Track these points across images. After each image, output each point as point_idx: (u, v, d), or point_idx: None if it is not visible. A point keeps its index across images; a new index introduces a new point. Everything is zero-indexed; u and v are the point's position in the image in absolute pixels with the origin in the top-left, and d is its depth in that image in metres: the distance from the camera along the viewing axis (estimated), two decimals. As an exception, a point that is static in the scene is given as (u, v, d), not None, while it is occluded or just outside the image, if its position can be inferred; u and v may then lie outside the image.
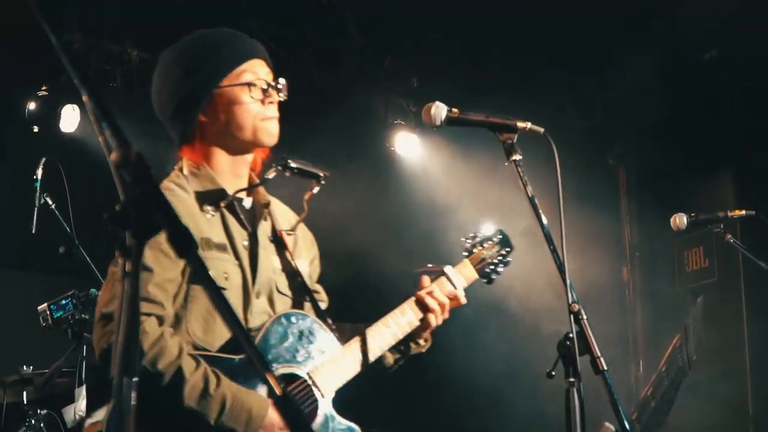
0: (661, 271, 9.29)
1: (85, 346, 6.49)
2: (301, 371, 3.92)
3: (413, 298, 4.22)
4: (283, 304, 4.02)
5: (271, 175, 4.05)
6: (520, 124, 3.92)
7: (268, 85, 3.95)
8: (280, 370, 3.87)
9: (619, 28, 8.49)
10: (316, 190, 4.14)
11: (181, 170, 3.96)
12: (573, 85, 9.13)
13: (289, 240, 4.14)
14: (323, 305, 4.19)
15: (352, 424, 4.05)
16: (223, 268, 3.84)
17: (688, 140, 8.88)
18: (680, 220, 6.24)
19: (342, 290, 4.42)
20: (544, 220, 3.80)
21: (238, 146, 3.97)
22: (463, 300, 4.32)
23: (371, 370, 4.18)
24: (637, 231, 9.61)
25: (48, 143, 8.12)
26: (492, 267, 4.52)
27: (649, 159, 9.50)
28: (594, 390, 3.61)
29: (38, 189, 6.83)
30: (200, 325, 3.77)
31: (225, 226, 3.92)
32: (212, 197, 3.92)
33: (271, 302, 3.98)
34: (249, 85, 3.91)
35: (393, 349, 4.23)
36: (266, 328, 3.87)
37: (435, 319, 4.22)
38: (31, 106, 8.42)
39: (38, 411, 6.75)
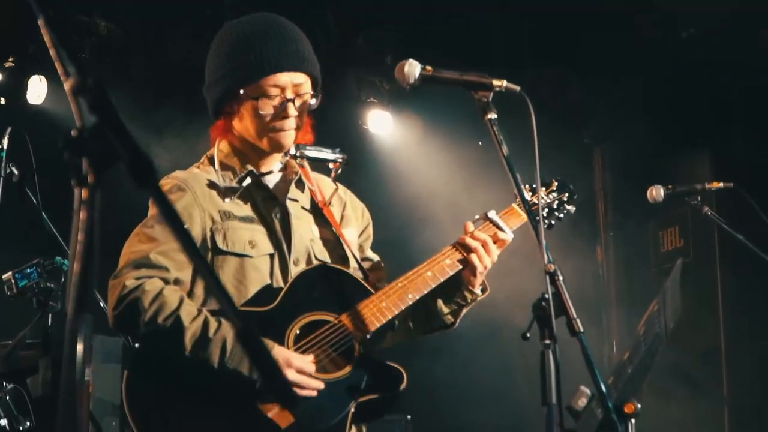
0: (636, 250, 9.26)
1: (50, 315, 6.43)
2: (329, 317, 3.96)
3: (451, 245, 4.17)
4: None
5: (284, 162, 4.24)
6: (496, 82, 3.87)
7: (287, 99, 4.01)
8: (309, 317, 3.94)
9: (595, 5, 8.43)
10: (339, 171, 4.41)
11: (209, 158, 4.17)
12: (548, 64, 9.07)
13: (333, 210, 4.27)
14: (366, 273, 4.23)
15: (394, 365, 4.03)
16: (249, 237, 3.98)
17: (664, 119, 8.84)
18: (657, 192, 6.17)
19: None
20: (519, 182, 3.72)
21: (253, 143, 4.10)
22: (510, 237, 4.21)
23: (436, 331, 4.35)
24: (612, 211, 9.57)
25: (14, 115, 8.06)
26: (549, 210, 4.56)
27: (625, 139, 9.45)
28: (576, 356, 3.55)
29: (3, 159, 6.76)
30: (232, 289, 3.89)
31: (252, 201, 4.07)
32: (239, 176, 4.09)
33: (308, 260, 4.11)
34: (271, 95, 4.00)
35: (448, 300, 4.23)
36: (291, 282, 3.97)
37: (479, 260, 4.11)
38: (-1, 77, 8.36)
39: (3, 384, 6.66)
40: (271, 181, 4.16)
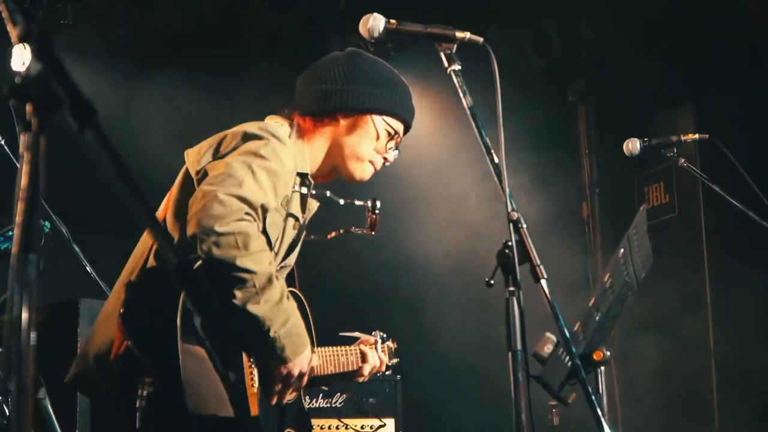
0: (621, 206, 9.31)
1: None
2: None
3: (358, 348, 4.81)
4: None
5: (362, 204, 4.69)
6: (459, 34, 3.92)
7: (395, 147, 4.38)
8: None
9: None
10: (356, 232, 4.71)
11: (289, 134, 4.23)
12: (531, 22, 9.10)
13: None
14: None
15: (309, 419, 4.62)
16: (279, 233, 4.10)
17: (648, 76, 8.88)
18: (633, 145, 6.21)
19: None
20: (483, 131, 3.77)
21: (335, 161, 4.33)
22: (384, 368, 4.98)
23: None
24: (596, 167, 9.62)
25: (-1, 83, 8.07)
26: (391, 363, 5.14)
27: (609, 96, 9.51)
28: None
29: (-14, 126, 6.79)
30: None
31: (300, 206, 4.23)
32: (303, 177, 4.20)
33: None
34: (393, 135, 4.34)
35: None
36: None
37: (367, 372, 4.82)
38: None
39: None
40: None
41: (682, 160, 6.27)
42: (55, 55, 2.01)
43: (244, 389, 3.93)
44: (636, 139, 6.19)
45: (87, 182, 6.07)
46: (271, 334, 3.79)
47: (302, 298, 4.37)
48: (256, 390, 3.97)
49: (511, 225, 3.60)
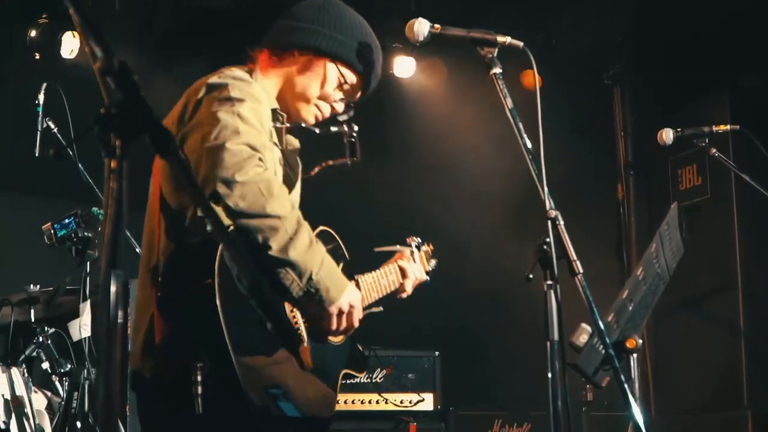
0: (655, 188, 9.42)
1: (88, 263, 6.66)
2: None
3: (396, 264, 4.74)
4: None
5: (336, 130, 4.29)
6: (500, 39, 4.02)
7: (347, 100, 4.27)
8: None
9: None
10: (337, 163, 4.34)
11: (249, 74, 4.11)
12: (567, 6, 9.19)
13: None
14: None
15: (364, 351, 4.50)
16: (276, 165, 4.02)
17: (684, 59, 8.98)
18: (666, 135, 6.37)
19: (338, 214, 4.65)
20: (523, 132, 3.92)
21: (285, 98, 4.21)
22: (425, 278, 4.89)
23: None
24: (631, 150, 9.72)
25: (49, 70, 8.25)
26: (430, 268, 5.06)
27: (645, 78, 9.59)
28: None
29: (40, 114, 6.96)
30: None
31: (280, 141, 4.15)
32: (274, 112, 4.10)
33: None
34: (342, 84, 4.21)
35: None
36: (316, 235, 4.01)
37: (409, 287, 4.78)
38: (32, 33, 8.52)
39: (45, 329, 6.94)
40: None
41: (714, 150, 6.42)
42: (135, 87, 2.15)
43: (296, 346, 3.93)
44: (669, 129, 6.35)
45: (136, 164, 6.25)
46: (314, 277, 3.72)
47: (332, 233, 4.34)
48: (306, 343, 3.96)
49: (549, 222, 3.77)
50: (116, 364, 2.13)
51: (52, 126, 6.97)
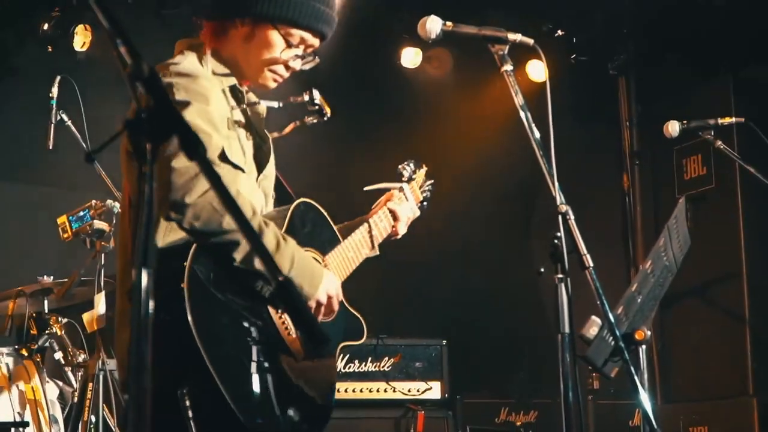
0: (661, 178, 9.47)
1: (103, 255, 6.72)
2: (318, 257, 4.17)
3: (386, 208, 4.61)
4: (271, 200, 4.23)
5: (295, 101, 4.20)
6: (511, 36, 4.07)
7: (302, 56, 4.09)
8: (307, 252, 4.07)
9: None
10: (310, 122, 4.27)
11: (199, 58, 4.00)
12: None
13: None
14: None
15: (357, 314, 4.36)
16: (241, 151, 3.97)
17: (689, 49, 9.05)
18: (672, 127, 6.47)
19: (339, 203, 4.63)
20: (534, 128, 3.98)
21: (241, 68, 4.08)
22: (417, 213, 4.77)
23: None
24: (636, 140, 9.77)
25: (62, 62, 8.30)
26: (426, 193, 5.02)
27: (650, 68, 9.64)
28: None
29: (54, 106, 7.00)
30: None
31: (245, 119, 4.09)
32: (228, 89, 4.03)
33: (266, 197, 4.18)
34: (291, 46, 4.04)
35: None
36: (291, 212, 4.07)
37: (403, 228, 4.66)
38: (45, 26, 8.57)
39: (59, 319, 7.00)
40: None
41: (719, 143, 6.52)
42: (163, 93, 2.22)
43: (283, 342, 3.89)
44: (675, 121, 6.44)
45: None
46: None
47: (313, 203, 4.23)
48: (295, 335, 3.92)
49: (560, 217, 3.84)
50: (147, 360, 2.20)
51: (66, 119, 7.02)
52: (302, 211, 4.15)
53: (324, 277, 3.95)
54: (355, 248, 4.40)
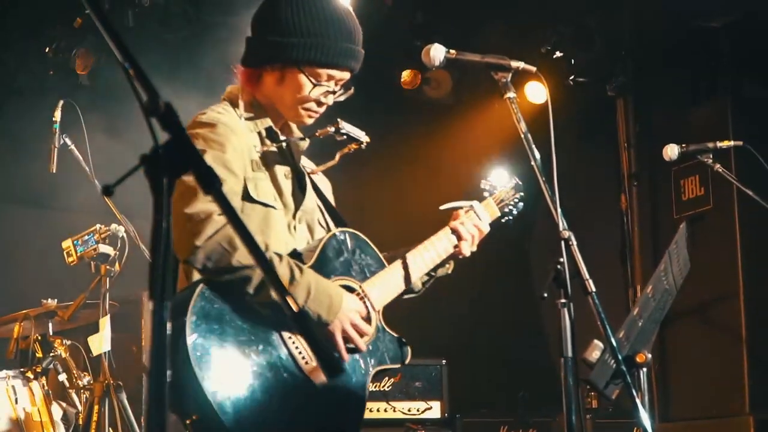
0: (659, 199, 9.51)
1: (108, 279, 6.76)
2: (355, 284, 4.23)
3: (448, 228, 4.58)
4: (321, 232, 4.36)
5: (322, 134, 4.38)
6: (513, 64, 4.14)
7: (333, 91, 4.27)
8: (338, 281, 4.17)
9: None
10: (352, 149, 4.45)
11: (231, 102, 4.28)
12: (572, 18, 9.30)
13: (315, 178, 4.52)
14: None
15: (400, 337, 4.37)
16: (273, 189, 4.18)
17: (686, 71, 9.12)
18: (671, 150, 6.53)
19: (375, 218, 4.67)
20: (537, 155, 4.03)
21: (278, 110, 4.30)
22: (487, 230, 4.69)
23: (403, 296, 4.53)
24: (635, 160, 9.81)
25: (64, 87, 8.35)
26: (510, 208, 4.92)
27: (648, 90, 9.69)
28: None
29: (57, 130, 7.05)
30: (258, 237, 3.98)
31: (279, 157, 4.29)
32: (264, 131, 4.26)
33: (310, 230, 4.32)
34: (318, 85, 4.21)
35: (426, 273, 4.58)
36: (324, 242, 4.19)
37: (467, 248, 4.59)
38: (47, 50, 8.59)
39: (63, 341, 7.04)
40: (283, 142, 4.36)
41: (718, 166, 6.59)
42: (180, 128, 2.26)
43: (300, 371, 3.93)
44: (674, 145, 6.50)
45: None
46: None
47: (355, 232, 4.33)
48: (315, 364, 3.93)
49: (563, 243, 3.89)
50: (166, 390, 2.22)
51: (69, 143, 7.06)
52: (339, 240, 4.25)
53: (344, 302, 4.03)
54: (401, 272, 4.41)
